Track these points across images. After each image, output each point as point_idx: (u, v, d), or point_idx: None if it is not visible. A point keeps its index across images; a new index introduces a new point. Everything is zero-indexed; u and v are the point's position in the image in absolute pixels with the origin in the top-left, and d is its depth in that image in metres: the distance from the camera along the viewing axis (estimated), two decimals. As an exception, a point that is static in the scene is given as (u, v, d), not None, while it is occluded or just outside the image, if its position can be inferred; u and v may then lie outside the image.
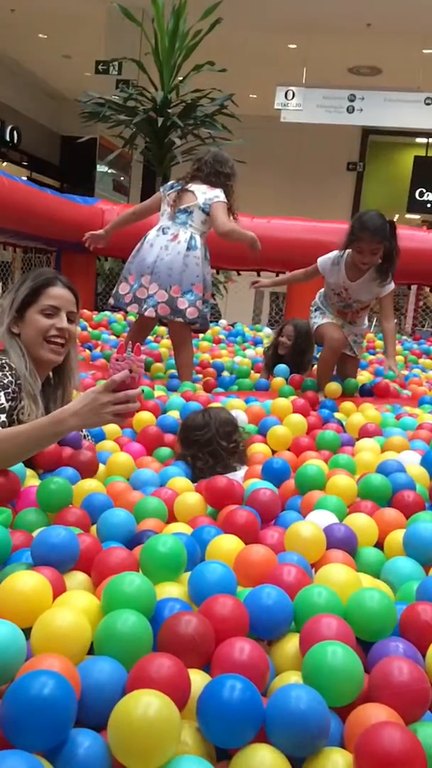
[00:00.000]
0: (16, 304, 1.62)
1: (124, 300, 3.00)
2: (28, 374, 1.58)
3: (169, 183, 3.10)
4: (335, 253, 2.79)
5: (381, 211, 2.68)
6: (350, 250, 2.72)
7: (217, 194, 2.94)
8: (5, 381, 1.52)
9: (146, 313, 2.92)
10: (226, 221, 2.88)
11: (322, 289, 3.05)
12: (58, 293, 1.63)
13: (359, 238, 2.57)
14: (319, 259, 2.86)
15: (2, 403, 1.48)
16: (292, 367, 3.04)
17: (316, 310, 3.04)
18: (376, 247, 2.58)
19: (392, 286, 2.84)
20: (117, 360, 1.35)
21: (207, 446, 1.76)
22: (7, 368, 1.55)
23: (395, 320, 2.89)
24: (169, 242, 2.90)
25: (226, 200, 2.94)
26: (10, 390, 1.52)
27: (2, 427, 1.45)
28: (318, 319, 2.98)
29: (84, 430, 1.79)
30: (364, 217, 2.59)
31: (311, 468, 1.62)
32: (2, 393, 1.50)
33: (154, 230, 3.00)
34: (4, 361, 1.56)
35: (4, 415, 1.48)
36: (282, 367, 3.00)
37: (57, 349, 1.62)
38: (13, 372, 1.55)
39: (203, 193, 2.94)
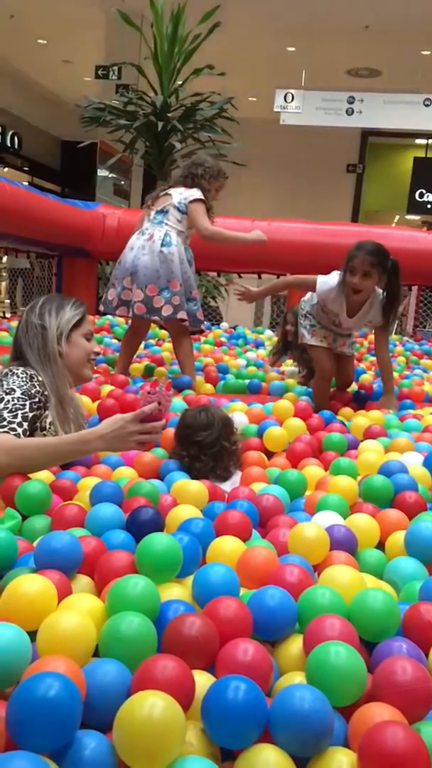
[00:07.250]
0: (68, 326, 1.70)
1: (112, 305, 3.03)
2: (68, 397, 1.67)
3: (155, 191, 3.14)
4: (335, 279, 2.63)
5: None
6: (347, 284, 2.59)
7: (193, 193, 2.96)
8: (32, 391, 1.58)
9: (129, 314, 2.96)
10: (207, 225, 2.91)
11: (311, 295, 2.86)
12: (90, 320, 1.80)
13: (353, 256, 2.53)
14: (319, 283, 2.68)
15: (26, 413, 1.53)
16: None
17: (305, 316, 2.86)
18: (368, 269, 2.50)
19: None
20: (149, 393, 1.43)
21: (210, 447, 1.70)
22: (34, 378, 1.61)
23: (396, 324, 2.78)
24: (146, 242, 2.93)
25: (203, 198, 2.95)
26: (36, 399, 1.58)
27: (24, 435, 1.49)
28: (307, 334, 2.82)
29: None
30: (361, 241, 2.58)
31: (292, 473, 1.64)
32: (29, 402, 1.55)
33: (135, 234, 3.03)
34: (32, 372, 1.62)
35: (27, 424, 1.52)
36: (300, 389, 3.00)
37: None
38: (41, 382, 1.61)
39: (179, 194, 2.99)
